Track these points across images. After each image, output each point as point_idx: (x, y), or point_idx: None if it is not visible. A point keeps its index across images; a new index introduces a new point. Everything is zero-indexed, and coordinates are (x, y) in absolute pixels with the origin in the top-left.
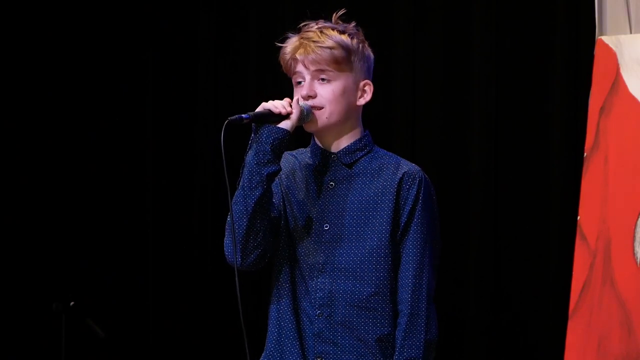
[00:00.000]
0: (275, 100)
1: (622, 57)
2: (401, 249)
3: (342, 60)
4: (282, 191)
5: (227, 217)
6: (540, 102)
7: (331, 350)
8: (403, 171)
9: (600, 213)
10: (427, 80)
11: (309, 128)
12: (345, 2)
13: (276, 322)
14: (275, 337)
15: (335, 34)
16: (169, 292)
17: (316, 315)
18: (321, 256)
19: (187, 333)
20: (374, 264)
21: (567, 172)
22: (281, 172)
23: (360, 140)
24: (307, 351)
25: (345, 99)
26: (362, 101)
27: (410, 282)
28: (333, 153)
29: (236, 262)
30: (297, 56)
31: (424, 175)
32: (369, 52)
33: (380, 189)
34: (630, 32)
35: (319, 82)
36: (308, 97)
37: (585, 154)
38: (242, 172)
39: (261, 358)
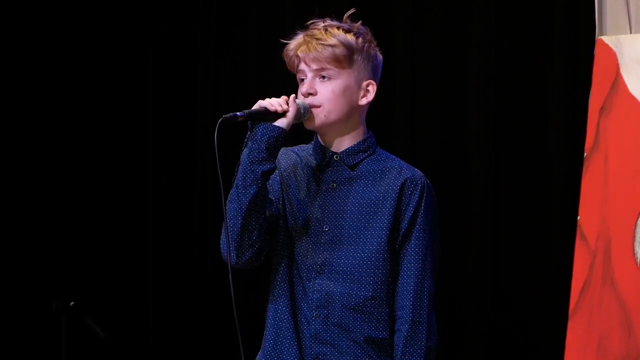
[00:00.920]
0: (272, 98)
1: (622, 57)
2: (402, 255)
3: (344, 59)
4: (282, 189)
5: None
6: (540, 102)
7: (328, 351)
8: (406, 176)
9: (600, 213)
10: (426, 80)
11: (308, 125)
12: (345, 2)
13: (273, 322)
14: (273, 337)
15: (339, 32)
16: (169, 292)
17: (313, 317)
18: (319, 257)
19: (187, 333)
20: (372, 268)
21: (567, 172)
22: (282, 169)
23: (363, 141)
24: (304, 352)
25: (345, 97)
26: (364, 101)
27: (411, 289)
28: (336, 153)
29: (230, 260)
30: (299, 53)
31: (427, 181)
32: (376, 52)
33: (382, 193)
34: (630, 32)
35: (320, 80)
36: (308, 95)
37: (585, 154)
38: (237, 170)
39: (257, 357)
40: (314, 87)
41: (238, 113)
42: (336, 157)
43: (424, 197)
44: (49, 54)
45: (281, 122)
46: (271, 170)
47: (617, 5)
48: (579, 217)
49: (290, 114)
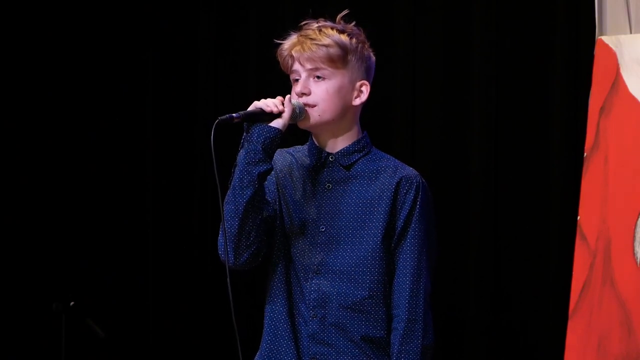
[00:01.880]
0: (267, 99)
1: (622, 57)
2: (397, 254)
3: (338, 59)
4: (278, 190)
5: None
6: (540, 102)
7: (326, 351)
8: (401, 175)
9: (600, 213)
10: (427, 80)
11: (302, 125)
12: (345, 2)
13: (271, 322)
14: (271, 337)
15: (333, 32)
16: (169, 292)
17: (311, 317)
18: (316, 258)
19: (187, 333)
20: (368, 267)
21: (567, 172)
22: (278, 170)
23: (358, 141)
24: (302, 352)
25: (339, 97)
26: (357, 101)
27: (407, 288)
28: (331, 154)
29: (227, 261)
30: (294, 53)
31: (422, 180)
32: (369, 53)
33: (377, 192)
34: (630, 32)
35: (314, 80)
36: (302, 94)
37: (585, 154)
38: (233, 172)
39: (255, 358)
40: (308, 87)
41: (234, 114)
42: (331, 157)
43: (419, 196)
44: (49, 54)
45: (277, 123)
46: (268, 171)
47: (617, 5)
48: (579, 217)
49: (286, 115)
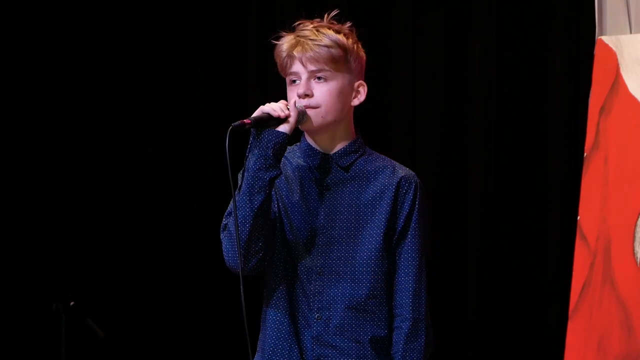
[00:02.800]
0: (272, 103)
1: (622, 57)
2: (398, 253)
3: (340, 60)
4: (276, 193)
5: (222, 221)
6: (540, 103)
7: (330, 353)
8: (400, 176)
9: (600, 213)
10: (427, 80)
11: (304, 127)
12: (345, 2)
13: (273, 325)
14: (273, 340)
15: (331, 32)
16: (169, 292)
17: (315, 319)
18: (318, 259)
19: (187, 333)
20: (371, 267)
21: (567, 172)
22: (281, 174)
23: (354, 142)
24: (305, 355)
25: (341, 98)
26: (356, 102)
27: (410, 287)
28: (328, 155)
29: (240, 266)
30: (295, 54)
31: (418, 180)
32: (363, 53)
33: (377, 192)
34: (630, 32)
35: (316, 81)
36: (304, 96)
37: (585, 154)
38: (241, 177)
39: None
40: (309, 88)
41: (245, 120)
42: (329, 158)
43: (418, 196)
44: (49, 54)
45: (284, 128)
46: (277, 176)
47: (617, 6)
48: (579, 217)
49: (292, 119)
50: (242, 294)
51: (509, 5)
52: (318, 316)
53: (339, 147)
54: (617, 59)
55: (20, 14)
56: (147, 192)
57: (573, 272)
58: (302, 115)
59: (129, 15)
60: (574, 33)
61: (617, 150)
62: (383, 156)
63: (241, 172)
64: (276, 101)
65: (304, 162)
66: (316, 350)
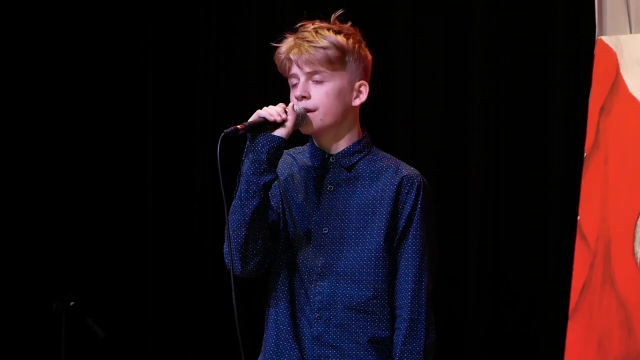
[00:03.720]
0: (270, 107)
1: (622, 57)
2: (399, 253)
3: (336, 60)
4: (281, 193)
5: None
6: (540, 102)
7: (330, 353)
8: (402, 175)
9: (600, 213)
10: (427, 80)
11: (305, 131)
12: (345, 2)
13: (274, 324)
14: (274, 340)
15: (330, 34)
16: (169, 292)
17: (315, 319)
18: (320, 260)
19: (187, 333)
20: (372, 268)
21: (567, 172)
22: (280, 173)
23: (359, 142)
24: (306, 354)
25: (340, 99)
26: (357, 102)
27: (410, 288)
28: (332, 155)
29: (234, 270)
30: (291, 56)
31: (423, 180)
32: (366, 52)
33: (379, 192)
34: (630, 32)
35: (313, 83)
36: (302, 98)
37: (585, 154)
38: (238, 182)
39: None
40: (307, 90)
41: (239, 126)
42: (332, 159)
43: (421, 196)
44: (49, 54)
45: (280, 132)
46: (273, 180)
47: (617, 6)
48: (579, 217)
49: (289, 123)
50: (233, 297)
51: (509, 5)
52: (319, 316)
53: (342, 147)
54: (617, 59)
55: (21, 14)
56: (147, 192)
57: (573, 272)
58: (301, 118)
59: (129, 15)
60: (574, 33)
61: (617, 150)
62: (389, 156)
63: (238, 176)
64: (275, 103)
65: (309, 162)
66: (316, 351)
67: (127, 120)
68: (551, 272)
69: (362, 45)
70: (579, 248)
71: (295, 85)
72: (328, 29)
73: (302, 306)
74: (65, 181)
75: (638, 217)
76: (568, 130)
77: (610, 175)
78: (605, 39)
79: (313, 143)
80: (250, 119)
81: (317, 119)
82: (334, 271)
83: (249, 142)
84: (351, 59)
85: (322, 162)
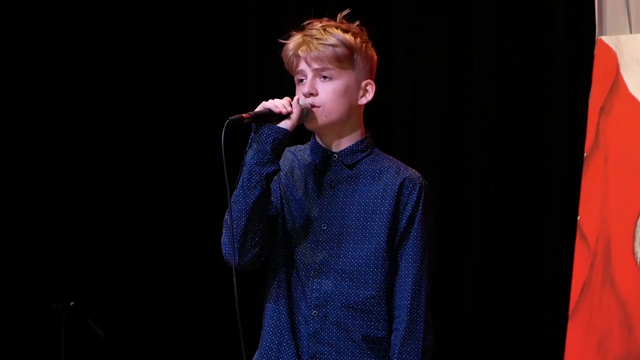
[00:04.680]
0: (276, 99)
1: (622, 57)
2: (399, 254)
3: (344, 59)
4: (280, 189)
5: (225, 215)
6: (540, 102)
7: (326, 350)
8: (404, 176)
9: (600, 213)
10: (427, 81)
11: (309, 126)
12: (346, 2)
13: (271, 321)
14: (271, 336)
15: (338, 32)
16: (169, 292)
17: (312, 316)
18: (318, 257)
19: (187, 333)
20: (371, 267)
21: (567, 172)
22: (280, 169)
23: (361, 141)
24: (301, 351)
25: (346, 97)
26: (363, 100)
27: (409, 289)
28: (334, 153)
29: (234, 260)
30: (300, 53)
31: (424, 181)
32: (372, 52)
33: (380, 192)
34: (630, 32)
35: (321, 80)
36: (309, 95)
37: (585, 154)
38: (241, 171)
39: (255, 356)
40: (314, 87)
41: (244, 115)
42: (334, 156)
43: (422, 197)
44: (49, 54)
45: (285, 124)
46: (275, 172)
47: (617, 6)
48: (579, 217)
49: (295, 116)
50: (234, 286)
51: (509, 5)
52: (315, 313)
53: (345, 145)
54: (617, 59)
55: (21, 14)
56: (147, 192)
57: (573, 272)
58: (305, 112)
59: (129, 15)
60: (574, 33)
61: (617, 150)
62: (391, 157)
63: (242, 166)
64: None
65: (311, 159)
66: (312, 347)
67: (127, 120)
68: (551, 272)
69: (369, 44)
70: (579, 248)
71: (302, 82)
72: (336, 27)
73: (299, 302)
74: (66, 181)
75: (638, 217)
76: (568, 130)
77: (610, 175)
78: (605, 39)
79: (315, 140)
80: (256, 110)
81: (322, 116)
82: (332, 268)
83: (254, 132)
84: (358, 57)
85: (324, 159)
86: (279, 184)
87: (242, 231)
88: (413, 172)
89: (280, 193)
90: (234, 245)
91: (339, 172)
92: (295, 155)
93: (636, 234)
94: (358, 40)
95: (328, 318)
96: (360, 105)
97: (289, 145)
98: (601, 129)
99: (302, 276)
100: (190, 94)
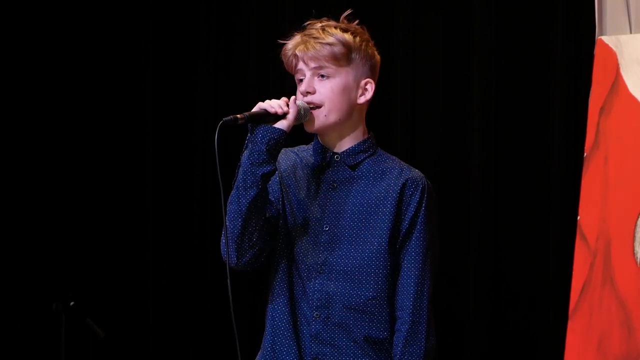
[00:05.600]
0: (272, 100)
1: (622, 57)
2: (402, 255)
3: (342, 57)
4: (281, 189)
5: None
6: (540, 102)
7: (328, 351)
8: (406, 177)
9: (600, 213)
10: (427, 81)
11: (309, 129)
12: (346, 2)
13: (273, 322)
14: (272, 337)
15: (337, 31)
16: (169, 292)
17: (313, 317)
18: (319, 257)
19: (187, 333)
20: (373, 268)
21: (567, 172)
22: (282, 169)
23: (364, 142)
24: (303, 352)
25: (344, 96)
26: (362, 99)
27: (412, 290)
28: (336, 153)
29: (229, 261)
30: (298, 53)
31: (427, 182)
32: (374, 51)
33: (382, 193)
34: (630, 32)
35: (319, 79)
36: (307, 93)
37: (585, 154)
38: (237, 172)
39: (257, 357)
40: (312, 85)
41: (238, 115)
42: (337, 157)
43: (425, 198)
44: (49, 54)
45: (281, 124)
46: (271, 172)
47: (617, 6)
48: (579, 217)
49: (291, 116)
50: (229, 287)
51: (509, 5)
52: (317, 314)
53: (347, 145)
54: (617, 59)
55: (21, 14)
56: (147, 192)
57: (573, 272)
58: (303, 112)
59: (129, 15)
60: (574, 33)
61: (617, 150)
62: (394, 157)
63: (238, 167)
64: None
65: (313, 160)
66: (314, 349)
67: (127, 120)
68: (551, 272)
69: (370, 44)
70: (579, 248)
71: (300, 82)
72: (335, 27)
73: (300, 303)
74: (66, 181)
75: (638, 217)
76: (568, 130)
77: (610, 175)
78: (605, 39)
79: (318, 140)
80: (252, 110)
81: (321, 116)
82: (333, 269)
83: (250, 133)
84: (357, 56)
85: (326, 159)
86: (280, 184)
87: (239, 232)
88: (416, 173)
89: (282, 193)
90: (229, 246)
91: (341, 173)
92: (298, 156)
93: (636, 234)
94: (357, 39)
95: (330, 319)
96: (360, 104)
97: (289, 145)
98: (601, 129)
99: (303, 277)
100: (190, 94)
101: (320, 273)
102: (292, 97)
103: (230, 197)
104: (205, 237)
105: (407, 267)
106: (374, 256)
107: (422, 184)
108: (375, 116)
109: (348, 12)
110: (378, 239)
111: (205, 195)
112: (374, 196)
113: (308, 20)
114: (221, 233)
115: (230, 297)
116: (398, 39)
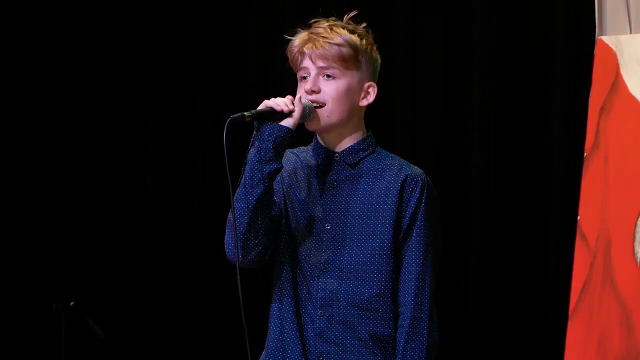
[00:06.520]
0: (277, 98)
1: (622, 57)
2: (403, 252)
3: (349, 59)
4: (283, 189)
5: (227, 214)
6: (540, 102)
7: (332, 350)
8: (406, 174)
9: (600, 213)
10: (427, 81)
11: (310, 127)
12: (346, 2)
13: (277, 321)
14: (277, 336)
15: (345, 32)
16: (169, 292)
17: (318, 315)
18: (322, 256)
19: (187, 333)
20: (376, 266)
21: (567, 172)
22: (283, 170)
23: (363, 140)
24: (308, 351)
25: (348, 98)
26: (364, 102)
27: (413, 285)
28: (336, 153)
29: (237, 259)
30: (305, 50)
31: (427, 179)
32: (377, 55)
33: (383, 190)
34: (630, 32)
35: (324, 79)
36: (311, 92)
37: (585, 154)
38: (243, 170)
39: (262, 357)
40: (317, 84)
41: (246, 113)
42: (336, 156)
43: (425, 194)
44: (49, 54)
45: (287, 122)
46: (278, 170)
47: (617, 6)
48: (579, 217)
49: (297, 114)
50: (238, 284)
51: (509, 5)
52: (321, 313)
53: (347, 145)
54: (617, 59)
55: (21, 14)
56: (147, 192)
57: (573, 272)
58: (307, 111)
59: (129, 15)
60: (574, 33)
61: (617, 150)
62: (393, 155)
63: (244, 165)
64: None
65: (313, 159)
66: (319, 347)
67: (127, 120)
68: (551, 272)
69: (374, 47)
70: (579, 248)
71: (304, 79)
72: (343, 28)
73: (304, 302)
74: (65, 181)
75: (638, 217)
76: (568, 130)
77: (610, 175)
78: (605, 39)
79: (317, 140)
80: (258, 108)
81: (324, 115)
82: (336, 267)
83: (256, 131)
84: (363, 59)
85: (326, 159)
86: (282, 184)
87: (245, 229)
88: (415, 169)
89: (284, 193)
90: (237, 244)
91: (341, 172)
92: (298, 156)
93: (636, 234)
94: (364, 42)
95: (334, 317)
96: (362, 106)
97: (292, 143)
98: (601, 129)
99: (307, 276)
100: (190, 94)
101: (323, 272)
102: (298, 96)
103: (236, 195)
104: (205, 237)
105: (407, 263)
106: (377, 253)
107: (421, 180)
108: (375, 116)
109: (353, 13)
110: (381, 236)
111: (205, 195)
112: (375, 194)
113: (312, 18)
114: (223, 232)
115: (241, 294)
116: (398, 39)
